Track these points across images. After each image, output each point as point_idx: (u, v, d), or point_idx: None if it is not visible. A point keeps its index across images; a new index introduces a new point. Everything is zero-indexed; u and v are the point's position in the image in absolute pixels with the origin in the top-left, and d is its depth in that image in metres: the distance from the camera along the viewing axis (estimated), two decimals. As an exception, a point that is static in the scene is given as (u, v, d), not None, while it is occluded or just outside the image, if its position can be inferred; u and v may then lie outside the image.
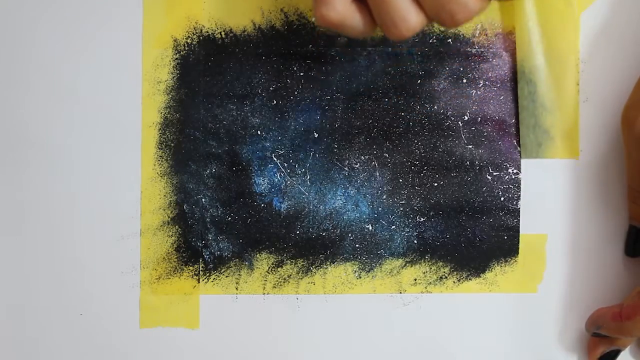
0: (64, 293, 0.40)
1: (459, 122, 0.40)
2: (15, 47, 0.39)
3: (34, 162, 0.40)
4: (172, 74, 0.40)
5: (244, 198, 0.40)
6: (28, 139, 0.40)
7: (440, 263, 0.40)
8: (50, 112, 0.40)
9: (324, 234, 0.40)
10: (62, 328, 0.40)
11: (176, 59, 0.40)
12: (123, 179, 0.40)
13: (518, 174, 0.40)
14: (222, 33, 0.40)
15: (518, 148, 0.40)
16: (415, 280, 0.40)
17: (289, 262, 0.40)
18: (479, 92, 0.40)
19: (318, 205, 0.40)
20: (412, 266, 0.40)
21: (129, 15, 0.39)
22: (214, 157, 0.40)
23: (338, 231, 0.40)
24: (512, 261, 0.40)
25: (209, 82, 0.40)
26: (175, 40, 0.40)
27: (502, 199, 0.40)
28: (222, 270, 0.40)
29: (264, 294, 0.40)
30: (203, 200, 0.40)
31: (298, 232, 0.40)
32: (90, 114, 0.40)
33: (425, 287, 0.40)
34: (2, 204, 0.40)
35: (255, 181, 0.40)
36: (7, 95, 0.39)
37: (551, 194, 0.40)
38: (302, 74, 0.39)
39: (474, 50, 0.40)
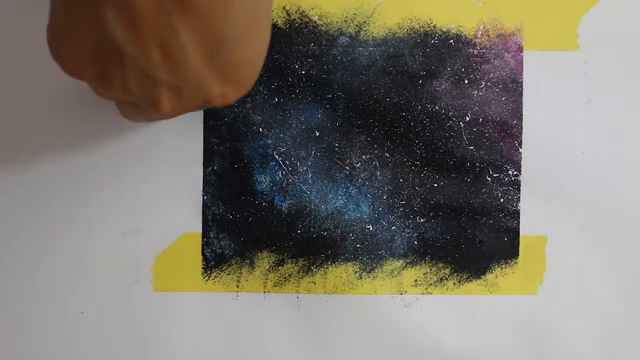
0: (63, 291, 0.40)
1: (460, 123, 0.40)
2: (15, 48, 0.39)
3: (34, 159, 0.40)
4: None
5: (245, 196, 0.40)
6: (29, 134, 0.40)
7: (441, 264, 0.40)
8: (54, 109, 0.40)
9: (325, 234, 0.40)
10: (62, 326, 0.40)
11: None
12: (126, 176, 0.40)
13: (518, 175, 0.40)
14: (224, 33, 0.40)
15: (519, 149, 0.40)
16: (416, 281, 0.40)
17: (290, 261, 0.40)
18: (480, 93, 0.40)
19: (319, 205, 0.40)
20: (412, 267, 0.40)
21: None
22: (215, 154, 0.40)
23: (339, 231, 0.40)
24: (512, 263, 0.40)
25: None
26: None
27: (502, 200, 0.40)
28: (223, 268, 0.40)
29: (264, 292, 0.40)
30: (205, 197, 0.40)
31: (299, 231, 0.40)
32: (90, 111, 0.40)
33: (426, 289, 0.40)
34: (2, 202, 0.40)
35: (256, 179, 0.40)
36: (6, 94, 0.40)
37: (551, 196, 0.40)
38: (303, 72, 0.40)
39: (475, 51, 0.40)
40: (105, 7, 0.24)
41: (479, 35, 0.40)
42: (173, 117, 0.30)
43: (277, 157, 0.40)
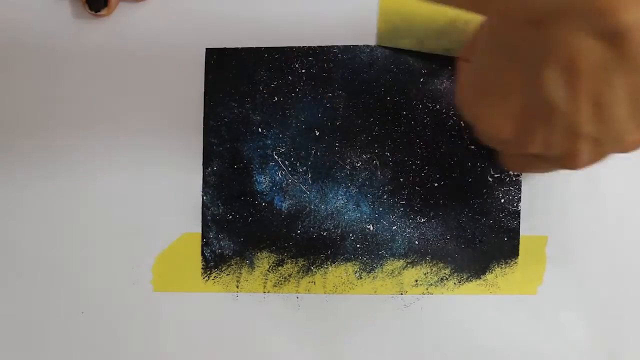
0: (63, 291, 0.40)
1: (461, 122, 0.40)
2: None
3: (36, 159, 0.40)
4: (173, 72, 0.40)
5: (245, 196, 0.40)
6: (31, 136, 0.40)
7: (441, 264, 0.40)
8: (55, 109, 0.40)
9: (324, 234, 0.40)
10: (62, 326, 0.40)
11: (177, 57, 0.40)
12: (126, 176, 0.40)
13: (519, 175, 0.40)
14: (224, 31, 0.40)
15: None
16: (416, 281, 0.40)
17: (290, 261, 0.40)
18: (480, 93, 0.40)
19: (319, 205, 0.40)
20: (413, 267, 0.40)
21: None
22: (215, 154, 0.40)
23: (339, 231, 0.40)
24: (512, 263, 0.40)
25: (210, 79, 0.40)
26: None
27: (503, 200, 0.40)
28: (223, 269, 0.40)
29: (264, 292, 0.40)
30: (204, 198, 0.40)
31: (299, 231, 0.40)
32: (91, 112, 0.40)
33: (427, 289, 0.40)
34: (4, 200, 0.40)
35: (256, 179, 0.40)
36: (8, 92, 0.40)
37: (551, 196, 0.40)
38: (303, 71, 0.39)
39: (476, 50, 0.40)
40: (549, 69, 0.24)
41: (479, 35, 0.39)
42: (585, 168, 0.29)
43: (276, 157, 0.40)
